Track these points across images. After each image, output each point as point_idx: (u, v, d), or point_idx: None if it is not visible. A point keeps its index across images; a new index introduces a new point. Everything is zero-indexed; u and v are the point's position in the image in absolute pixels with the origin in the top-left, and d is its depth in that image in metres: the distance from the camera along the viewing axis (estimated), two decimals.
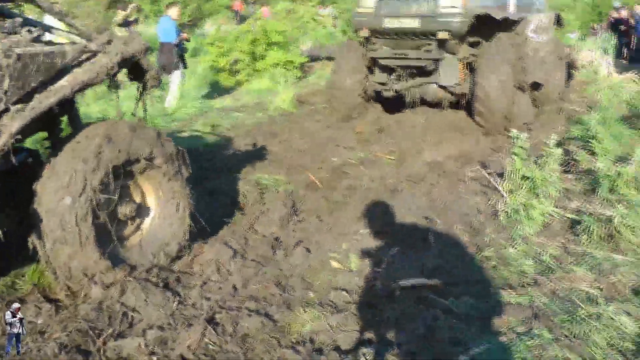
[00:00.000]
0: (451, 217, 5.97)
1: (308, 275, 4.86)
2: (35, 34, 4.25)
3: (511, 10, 10.31)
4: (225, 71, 16.30)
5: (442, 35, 9.33)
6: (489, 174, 6.57)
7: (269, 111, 11.92)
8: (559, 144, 6.83)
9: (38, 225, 4.20)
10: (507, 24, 10.01)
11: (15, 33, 4.19)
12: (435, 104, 10.49)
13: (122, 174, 4.56)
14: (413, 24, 9.56)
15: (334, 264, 5.00)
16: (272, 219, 5.96)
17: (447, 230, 5.65)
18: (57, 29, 4.84)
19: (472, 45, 10.07)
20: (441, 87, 10.12)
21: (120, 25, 14.06)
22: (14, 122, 3.90)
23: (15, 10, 4.90)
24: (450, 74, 9.92)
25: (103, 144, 4.34)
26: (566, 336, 3.71)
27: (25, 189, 4.34)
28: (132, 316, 4.16)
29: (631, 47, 20.42)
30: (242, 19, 27.26)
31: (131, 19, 14.67)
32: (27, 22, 4.43)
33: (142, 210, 4.89)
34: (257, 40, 16.18)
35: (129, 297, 4.28)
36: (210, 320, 4.11)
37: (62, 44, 4.56)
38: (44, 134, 4.93)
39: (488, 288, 4.49)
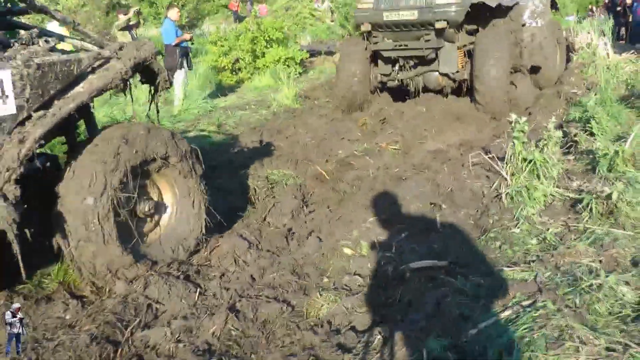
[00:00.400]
0: (456, 202, 6.16)
1: (321, 262, 5.08)
2: (51, 44, 4.46)
3: None
4: (227, 70, 16.52)
5: (439, 24, 9.62)
6: (490, 158, 6.74)
7: (272, 108, 12.12)
8: (558, 126, 7.03)
9: (62, 226, 4.42)
10: (502, 11, 10.30)
11: (33, 44, 4.40)
12: (438, 91, 10.83)
13: (140, 173, 4.78)
14: (411, 15, 9.85)
15: (346, 251, 5.21)
16: (283, 211, 6.19)
17: (453, 214, 5.85)
18: (69, 37, 5.03)
19: (470, 33, 10.39)
20: (442, 74, 10.47)
21: (122, 29, 14.27)
22: (37, 129, 4.11)
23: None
24: (450, 61, 10.26)
25: (121, 145, 4.56)
26: (569, 307, 3.89)
27: (45, 192, 4.55)
28: (156, 308, 4.39)
29: (628, 27, 20.54)
30: (240, 18, 27.44)
31: (132, 22, 14.88)
32: (43, 33, 4.64)
33: (159, 208, 5.11)
34: (257, 38, 16.39)
35: (152, 290, 4.49)
36: (232, 309, 4.33)
37: (77, 52, 4.76)
38: (62, 139, 5.15)
39: (494, 266, 4.69)
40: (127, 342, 3.99)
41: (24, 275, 3.98)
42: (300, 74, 16.29)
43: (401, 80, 10.91)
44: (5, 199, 3.88)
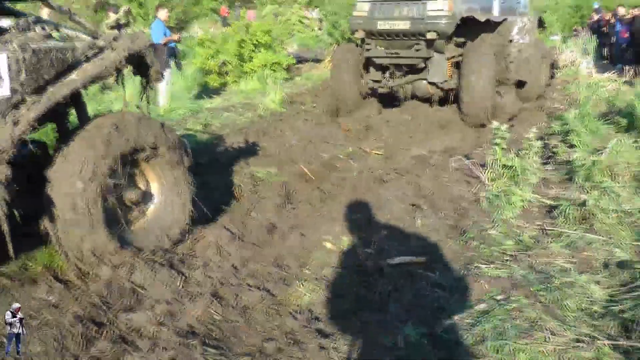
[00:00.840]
0: (436, 204, 6.31)
1: (303, 255, 5.19)
2: (47, 31, 4.56)
3: (495, 13, 11.01)
4: (214, 73, 16.60)
5: (430, 35, 10.03)
6: (472, 164, 6.91)
7: (258, 111, 12.22)
8: (539, 138, 7.23)
9: (50, 210, 4.49)
10: (491, 26, 10.71)
11: (30, 30, 4.49)
12: (426, 99, 11.16)
13: (129, 161, 4.88)
14: (404, 25, 10.27)
15: (328, 245, 5.33)
16: (267, 207, 6.30)
17: (433, 215, 6.00)
18: (65, 26, 5.12)
19: (459, 45, 10.73)
20: (431, 83, 10.81)
21: (112, 27, 14.29)
22: (30, 112, 4.20)
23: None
24: (439, 71, 10.61)
25: (112, 132, 4.64)
26: (541, 302, 4.06)
27: (34, 176, 4.63)
28: (140, 293, 4.47)
29: (611, 48, 20.87)
30: (228, 24, 27.53)
31: (122, 21, 14.92)
32: (39, 20, 4.74)
33: (146, 196, 5.20)
34: (245, 41, 16.51)
35: (137, 275, 4.57)
36: (214, 295, 4.43)
37: (72, 40, 4.86)
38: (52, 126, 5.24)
39: (471, 263, 4.84)
40: (111, 323, 4.07)
41: (12, 254, 4.06)
42: (286, 79, 16.41)
43: (391, 87, 11.26)
44: None
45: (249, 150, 8.73)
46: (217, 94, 15.21)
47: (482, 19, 10.32)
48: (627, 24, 18.37)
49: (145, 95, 5.51)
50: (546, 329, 3.65)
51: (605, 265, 4.66)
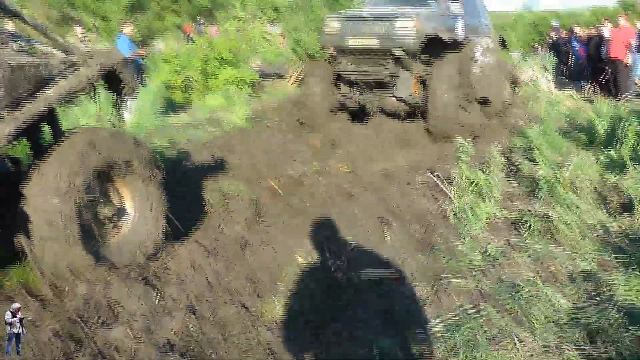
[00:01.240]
0: (404, 218, 6.44)
1: (275, 269, 5.26)
2: (23, 47, 4.59)
3: (459, 33, 11.52)
4: (178, 88, 16.59)
5: (397, 53, 10.42)
6: (438, 179, 7.07)
7: (224, 127, 12.27)
8: (502, 153, 7.45)
9: (26, 226, 4.50)
10: (455, 45, 11.17)
11: (5, 46, 4.52)
12: (393, 114, 11.49)
13: (103, 176, 4.91)
14: (372, 43, 10.66)
15: (299, 260, 5.41)
16: (238, 222, 6.37)
17: (401, 229, 6.12)
18: (39, 41, 5.14)
19: (425, 62, 11.08)
20: (398, 98, 11.17)
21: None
22: (6, 127, 4.23)
23: None
24: (406, 87, 11.01)
25: (87, 148, 4.68)
26: (509, 312, 4.20)
27: (8, 192, 4.64)
28: (116, 308, 4.49)
29: (569, 65, 21.37)
30: (191, 40, 27.49)
31: (86, 36, 14.90)
32: (14, 36, 4.77)
33: (120, 211, 5.23)
34: (209, 57, 16.55)
35: (112, 291, 4.59)
36: (190, 310, 4.48)
37: (46, 55, 4.89)
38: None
39: (440, 276, 4.97)
40: (89, 339, 4.09)
41: None
42: (251, 95, 16.47)
43: (360, 102, 11.61)
44: None
45: (217, 166, 8.77)
46: (182, 110, 15.20)
47: (447, 38, 10.77)
48: (584, 43, 18.88)
49: (117, 110, 5.56)
50: (516, 338, 3.79)
51: (570, 277, 4.84)
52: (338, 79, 11.76)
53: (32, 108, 4.41)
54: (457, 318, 4.22)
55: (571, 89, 15.41)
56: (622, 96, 13.62)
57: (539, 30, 32.49)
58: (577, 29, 20.29)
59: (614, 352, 3.70)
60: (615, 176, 6.98)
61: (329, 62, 11.88)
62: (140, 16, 27.61)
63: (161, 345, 4.04)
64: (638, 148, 7.68)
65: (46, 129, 5.25)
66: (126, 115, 12.38)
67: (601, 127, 9.37)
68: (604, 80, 15.70)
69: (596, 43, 17.10)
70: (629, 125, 8.01)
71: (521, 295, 4.41)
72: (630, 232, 5.80)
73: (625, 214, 6.24)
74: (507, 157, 8.18)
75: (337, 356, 3.92)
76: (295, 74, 18.35)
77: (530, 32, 31.14)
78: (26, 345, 3.86)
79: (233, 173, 8.46)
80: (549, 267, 5.05)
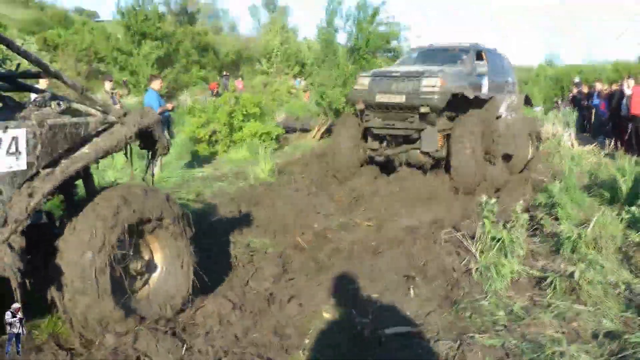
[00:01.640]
0: (428, 275, 6.49)
1: (302, 324, 5.34)
2: (62, 107, 4.79)
3: (484, 91, 12.07)
4: (204, 142, 16.90)
5: (423, 109, 10.86)
6: (461, 236, 7.13)
7: (249, 180, 12.45)
8: (525, 210, 7.51)
9: (59, 278, 4.63)
10: (480, 102, 11.56)
11: (46, 106, 4.73)
12: (419, 167, 11.80)
13: (135, 232, 5.06)
14: (400, 99, 11.14)
15: (325, 315, 5.49)
16: (265, 277, 6.48)
17: (426, 285, 6.17)
18: (77, 102, 5.34)
19: (450, 118, 11.49)
20: (423, 152, 11.49)
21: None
22: (45, 184, 4.40)
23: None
24: (431, 141, 11.30)
25: (120, 204, 4.84)
26: None
27: (41, 245, 4.78)
28: None
29: (591, 121, 21.47)
30: (218, 95, 28.03)
31: (115, 90, 15.28)
32: (54, 96, 4.98)
33: (150, 266, 5.35)
34: (234, 111, 16.90)
35: (141, 343, 4.69)
36: None
37: (84, 115, 5.08)
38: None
39: (465, 333, 5.00)
40: None
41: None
42: (275, 149, 16.72)
43: (387, 155, 11.98)
44: (12, 248, 4.12)
45: (243, 220, 8.91)
46: (208, 163, 15.47)
47: (471, 96, 11.15)
48: (605, 98, 18.99)
49: (149, 167, 5.73)
50: None
51: (594, 336, 4.86)
52: (366, 132, 12.15)
53: (70, 166, 4.59)
54: None
55: (594, 145, 15.47)
56: None
57: (560, 85, 32.68)
58: (598, 85, 20.45)
59: None
60: (638, 234, 7.01)
61: (358, 117, 12.30)
62: (167, 70, 28.23)
63: None
64: None
65: (80, 183, 5.42)
66: (155, 170, 12.64)
67: (624, 185, 9.42)
68: (626, 137, 15.77)
69: (618, 99, 17.21)
70: None
71: (546, 353, 4.43)
72: None
73: None
74: (530, 214, 8.24)
75: None
76: (319, 128, 18.61)
77: (552, 87, 31.30)
78: None
79: (258, 227, 8.59)
80: (572, 326, 5.07)
